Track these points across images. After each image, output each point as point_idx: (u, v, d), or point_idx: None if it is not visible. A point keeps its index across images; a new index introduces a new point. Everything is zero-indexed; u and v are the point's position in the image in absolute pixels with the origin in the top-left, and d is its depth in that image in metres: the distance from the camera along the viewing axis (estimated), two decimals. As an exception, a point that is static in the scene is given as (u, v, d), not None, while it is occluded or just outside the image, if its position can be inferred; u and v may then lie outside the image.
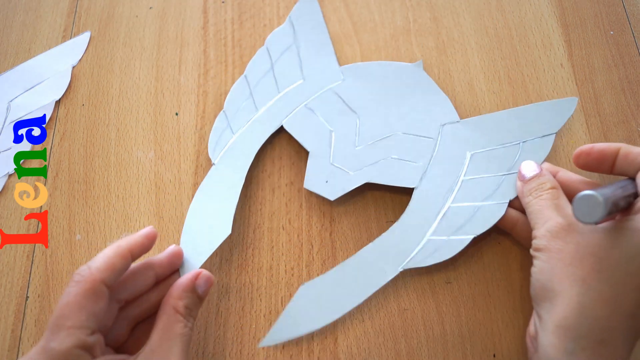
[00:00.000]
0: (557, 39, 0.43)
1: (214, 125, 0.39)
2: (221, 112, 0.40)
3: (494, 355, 0.33)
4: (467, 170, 0.36)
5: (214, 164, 0.38)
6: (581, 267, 0.27)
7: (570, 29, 0.43)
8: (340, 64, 0.42)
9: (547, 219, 0.30)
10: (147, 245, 0.31)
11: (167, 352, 0.27)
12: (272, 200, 0.38)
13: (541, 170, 0.33)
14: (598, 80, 0.41)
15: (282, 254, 0.36)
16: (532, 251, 0.31)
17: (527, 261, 0.35)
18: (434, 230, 0.35)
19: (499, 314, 0.34)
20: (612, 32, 0.43)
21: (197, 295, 0.30)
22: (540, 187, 0.32)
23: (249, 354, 0.34)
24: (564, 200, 0.31)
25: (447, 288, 0.35)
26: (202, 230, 0.35)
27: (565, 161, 0.38)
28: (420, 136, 0.38)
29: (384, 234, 0.35)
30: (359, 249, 0.36)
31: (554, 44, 0.42)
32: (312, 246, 0.37)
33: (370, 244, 0.35)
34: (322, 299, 0.34)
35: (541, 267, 0.29)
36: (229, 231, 0.35)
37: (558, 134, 0.39)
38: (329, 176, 0.37)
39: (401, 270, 0.34)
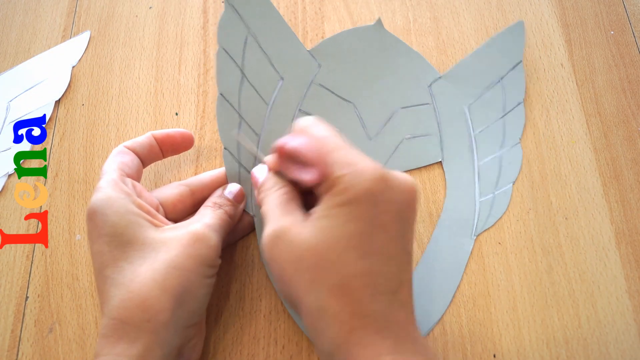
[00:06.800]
0: (558, 38, 0.43)
1: (226, 168, 0.36)
2: (225, 150, 0.36)
3: (494, 356, 0.33)
4: (473, 124, 0.38)
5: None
6: (302, 270, 0.25)
7: (570, 29, 0.43)
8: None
9: (267, 222, 0.27)
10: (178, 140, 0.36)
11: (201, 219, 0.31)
12: (272, 200, 0.38)
13: (269, 173, 0.30)
14: (598, 80, 0.41)
15: (282, 254, 0.36)
16: None
17: (528, 261, 0.36)
18: (479, 193, 0.37)
19: (499, 314, 0.34)
20: (612, 32, 0.43)
21: (226, 198, 0.33)
22: (270, 190, 0.29)
23: (249, 354, 0.34)
24: (291, 199, 0.28)
25: (447, 288, 0.35)
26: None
27: (565, 162, 0.38)
28: (417, 105, 0.39)
29: (442, 213, 0.37)
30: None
31: (554, 44, 0.42)
32: (312, 246, 0.37)
33: (436, 229, 0.36)
34: (427, 291, 0.34)
35: (275, 281, 0.27)
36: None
37: (558, 135, 0.39)
38: None
39: (474, 238, 0.36)
